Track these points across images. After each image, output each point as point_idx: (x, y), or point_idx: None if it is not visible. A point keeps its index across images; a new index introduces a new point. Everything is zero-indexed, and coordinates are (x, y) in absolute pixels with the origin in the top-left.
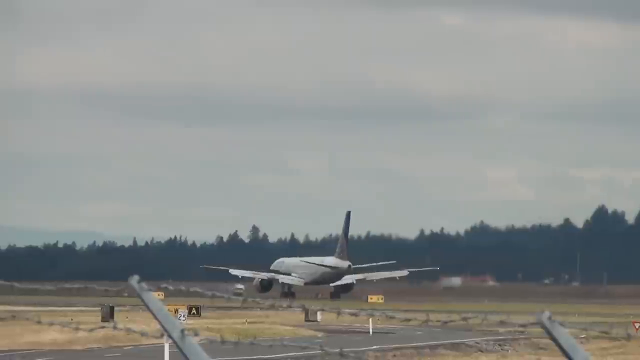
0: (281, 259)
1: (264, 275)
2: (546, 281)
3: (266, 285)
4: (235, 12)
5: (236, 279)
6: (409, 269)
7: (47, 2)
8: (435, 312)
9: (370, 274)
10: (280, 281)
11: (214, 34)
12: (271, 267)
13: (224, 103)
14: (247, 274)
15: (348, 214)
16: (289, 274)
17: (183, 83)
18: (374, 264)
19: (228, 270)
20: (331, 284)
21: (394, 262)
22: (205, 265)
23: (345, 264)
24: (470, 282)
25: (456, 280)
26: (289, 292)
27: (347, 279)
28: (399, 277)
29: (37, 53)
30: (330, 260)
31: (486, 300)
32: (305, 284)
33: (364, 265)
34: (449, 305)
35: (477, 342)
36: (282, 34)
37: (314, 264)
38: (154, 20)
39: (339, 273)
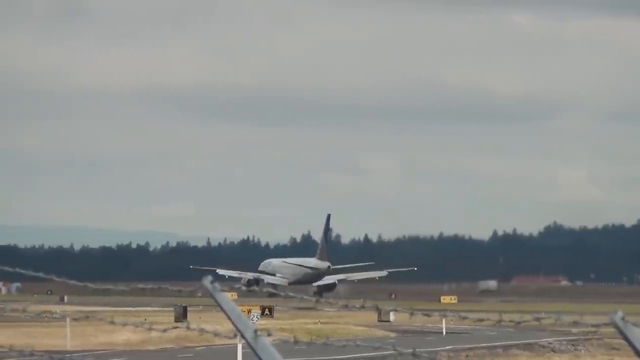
0: (268, 260)
1: (250, 275)
2: (619, 281)
3: (252, 285)
4: (308, 13)
5: (223, 278)
6: (388, 269)
7: (120, 3)
8: (508, 313)
9: (351, 274)
10: (265, 281)
11: (287, 34)
12: (259, 268)
13: (297, 103)
14: (234, 274)
15: (328, 217)
16: (274, 275)
17: (257, 83)
18: (353, 264)
19: (215, 270)
20: (314, 284)
21: (373, 263)
22: (193, 266)
23: (325, 264)
24: (544, 282)
25: (492, 284)
26: (273, 292)
27: (329, 279)
28: (378, 277)
29: (110, 54)
30: (312, 262)
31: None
32: (290, 283)
33: (343, 266)
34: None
35: (550, 343)
36: (355, 34)
37: (297, 265)
38: (227, 21)
39: (319, 273)
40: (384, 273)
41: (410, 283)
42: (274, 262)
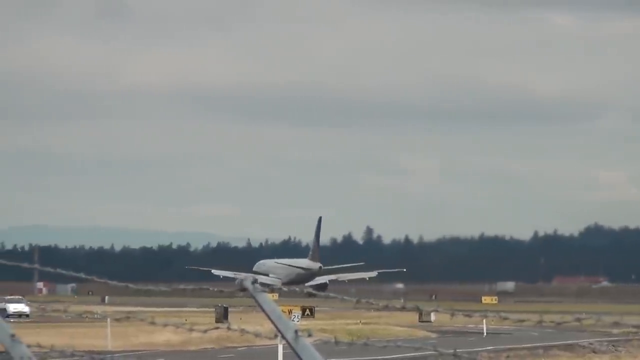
0: (262, 261)
1: (244, 276)
2: None
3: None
4: (346, 14)
5: (217, 279)
6: (378, 270)
7: (158, 3)
8: (549, 313)
9: (342, 275)
10: (259, 281)
11: (325, 34)
12: (253, 269)
13: (336, 103)
14: (228, 274)
15: (319, 220)
16: (268, 275)
17: (296, 83)
18: (344, 265)
19: (210, 270)
20: (306, 284)
21: (362, 263)
22: (188, 266)
23: (316, 265)
24: (584, 283)
25: (510, 285)
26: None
27: (321, 279)
28: (368, 277)
29: (149, 54)
30: (304, 262)
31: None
32: (283, 284)
33: (334, 267)
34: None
35: (590, 343)
36: (393, 35)
37: (289, 265)
38: (265, 21)
39: (311, 274)
40: (374, 274)
41: (450, 283)
42: (268, 263)
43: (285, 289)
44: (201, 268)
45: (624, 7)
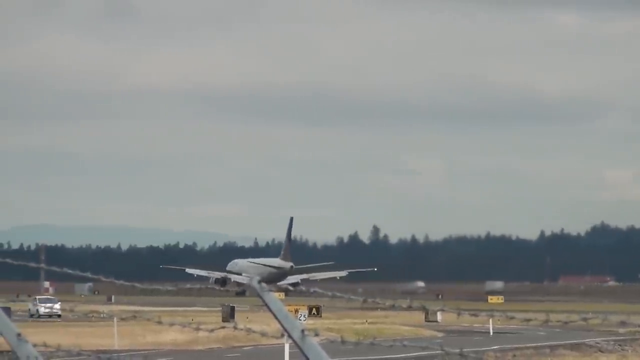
0: (235, 260)
1: (218, 274)
2: None
3: (221, 284)
4: (353, 13)
5: (191, 277)
6: (348, 270)
7: (163, 4)
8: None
9: (313, 274)
10: (232, 280)
11: (333, 34)
12: (227, 268)
13: (343, 103)
14: (202, 273)
15: (291, 220)
16: (240, 274)
17: (303, 83)
18: (315, 264)
19: (185, 269)
20: (278, 283)
21: (332, 262)
22: (163, 265)
23: (288, 264)
24: (590, 282)
25: (499, 284)
26: (240, 291)
27: (293, 278)
28: (339, 277)
29: (156, 53)
30: (276, 262)
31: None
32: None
33: (305, 266)
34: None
35: (597, 342)
36: (401, 34)
37: (262, 264)
38: (273, 21)
39: (283, 273)
40: (344, 273)
41: (455, 283)
42: (241, 262)
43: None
44: (175, 267)
45: (627, 6)
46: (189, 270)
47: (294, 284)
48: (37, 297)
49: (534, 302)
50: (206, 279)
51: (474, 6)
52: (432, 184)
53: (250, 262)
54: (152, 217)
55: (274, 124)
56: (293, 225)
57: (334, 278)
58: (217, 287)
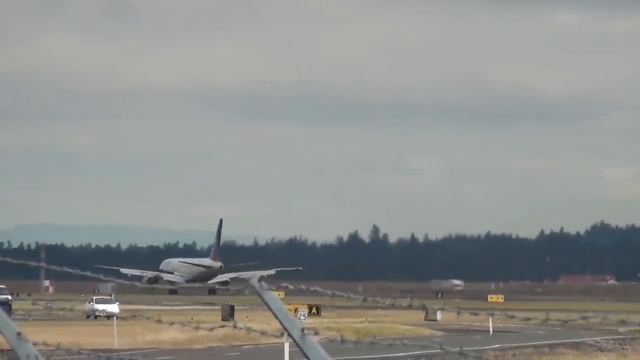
0: (167, 260)
1: (151, 274)
2: None
3: (152, 283)
4: (354, 13)
5: (126, 277)
6: (276, 269)
7: (163, 3)
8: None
9: (242, 273)
10: (164, 279)
11: (333, 33)
12: (160, 267)
13: (343, 102)
14: (136, 272)
15: (220, 222)
16: (172, 273)
17: (303, 82)
18: (243, 264)
19: (119, 269)
20: (208, 282)
21: (259, 262)
22: (96, 265)
23: (217, 264)
24: (590, 281)
25: (456, 283)
26: (172, 289)
27: (223, 277)
28: (267, 275)
29: (156, 53)
30: (206, 261)
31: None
32: (187, 281)
33: (234, 265)
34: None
35: (597, 341)
36: (401, 34)
37: (192, 264)
38: (273, 20)
39: (213, 272)
40: (272, 272)
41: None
42: (173, 261)
43: (188, 285)
44: (109, 267)
45: (627, 5)
46: (123, 271)
47: (223, 283)
48: (94, 297)
49: (534, 301)
50: (140, 278)
51: (474, 5)
52: (432, 183)
53: (182, 261)
54: (152, 217)
55: (276, 123)
56: (222, 227)
57: (262, 277)
58: (149, 286)
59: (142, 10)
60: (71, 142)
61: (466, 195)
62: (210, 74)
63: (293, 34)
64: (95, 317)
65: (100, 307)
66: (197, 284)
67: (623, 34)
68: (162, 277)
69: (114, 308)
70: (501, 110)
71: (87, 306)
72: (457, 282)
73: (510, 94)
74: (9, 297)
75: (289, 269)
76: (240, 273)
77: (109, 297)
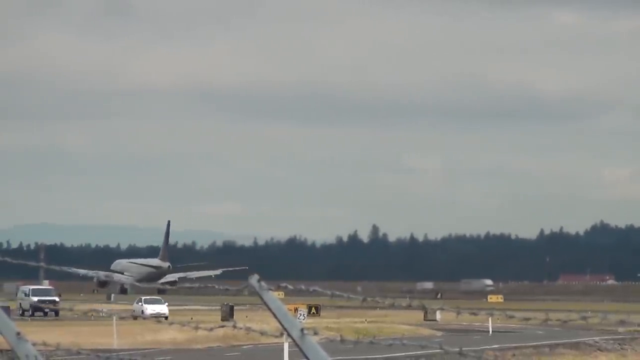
0: (118, 260)
1: (102, 274)
2: None
3: (103, 283)
4: (353, 12)
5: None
6: (222, 269)
7: (165, 2)
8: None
9: (190, 273)
10: (115, 279)
11: (332, 32)
12: (111, 267)
13: (342, 102)
14: (86, 272)
15: (168, 223)
16: (123, 273)
17: (302, 82)
18: (190, 264)
19: (69, 269)
20: (158, 282)
21: (206, 262)
22: (49, 266)
23: (166, 264)
24: (590, 281)
25: (428, 285)
26: (122, 289)
27: (171, 277)
28: (214, 275)
29: (155, 52)
30: (154, 262)
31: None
32: (137, 281)
33: (182, 265)
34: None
35: (596, 341)
36: (400, 33)
37: (141, 264)
38: (272, 19)
39: (161, 272)
40: (218, 272)
41: (456, 282)
42: (123, 262)
43: (138, 285)
44: (60, 267)
45: (628, 5)
46: (74, 270)
47: (172, 282)
48: (143, 297)
49: (534, 301)
50: (91, 278)
51: (474, 4)
52: (432, 183)
53: (131, 262)
54: (151, 216)
55: (275, 122)
56: (171, 228)
57: (210, 276)
58: (97, 287)
59: (141, 10)
60: (70, 142)
61: (466, 195)
62: (210, 74)
63: (293, 34)
64: (144, 318)
65: (149, 307)
66: (145, 284)
67: (624, 34)
68: (112, 277)
69: (163, 309)
70: (501, 110)
71: (136, 306)
72: (488, 282)
73: (510, 94)
74: (57, 299)
75: (234, 268)
76: (188, 273)
77: (158, 298)
